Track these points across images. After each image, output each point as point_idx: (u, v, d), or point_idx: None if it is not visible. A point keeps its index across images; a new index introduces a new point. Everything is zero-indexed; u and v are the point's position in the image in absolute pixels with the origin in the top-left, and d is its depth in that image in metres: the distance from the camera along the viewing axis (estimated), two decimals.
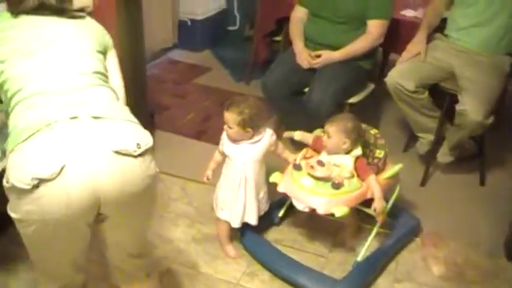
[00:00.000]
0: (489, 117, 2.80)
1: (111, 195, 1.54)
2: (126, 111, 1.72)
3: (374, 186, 2.31)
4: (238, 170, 2.38)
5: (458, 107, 2.84)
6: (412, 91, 2.93)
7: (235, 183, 2.39)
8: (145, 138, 1.62)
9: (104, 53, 1.85)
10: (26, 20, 1.72)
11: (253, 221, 2.46)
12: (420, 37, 3.06)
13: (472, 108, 2.77)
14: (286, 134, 2.63)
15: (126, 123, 1.63)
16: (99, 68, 1.76)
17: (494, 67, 2.92)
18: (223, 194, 2.44)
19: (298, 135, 2.57)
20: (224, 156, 2.45)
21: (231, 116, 2.31)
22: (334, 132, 2.33)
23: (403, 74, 2.98)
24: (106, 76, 1.80)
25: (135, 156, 1.55)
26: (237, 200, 2.41)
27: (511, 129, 3.73)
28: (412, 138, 3.33)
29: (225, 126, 2.36)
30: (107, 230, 1.72)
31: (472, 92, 2.81)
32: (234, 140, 2.37)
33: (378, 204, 2.30)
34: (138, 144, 1.56)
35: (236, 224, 2.46)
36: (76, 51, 1.72)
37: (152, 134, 3.19)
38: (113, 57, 1.91)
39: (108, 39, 1.91)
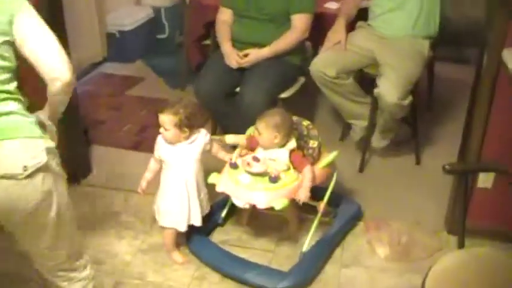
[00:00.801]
0: (405, 98, 2.88)
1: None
2: (26, 126, 1.68)
3: (305, 175, 2.35)
4: (179, 172, 2.38)
5: (375, 91, 2.94)
6: (334, 77, 3.00)
7: (177, 187, 2.39)
8: (37, 158, 1.63)
9: (8, 33, 1.66)
10: None
11: (198, 221, 2.46)
12: (339, 25, 3.15)
13: (386, 90, 2.86)
14: (217, 140, 2.59)
15: (16, 143, 1.61)
16: None
17: (413, 51, 3.01)
18: (165, 203, 2.44)
19: (229, 138, 2.56)
20: (160, 163, 2.44)
21: (167, 118, 2.32)
22: (263, 129, 2.36)
23: (325, 61, 3.05)
24: (10, 80, 1.72)
25: (22, 179, 1.57)
26: (181, 204, 2.40)
27: (441, 109, 3.87)
28: (348, 127, 3.39)
29: (161, 130, 2.36)
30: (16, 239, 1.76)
31: (388, 75, 2.90)
32: (171, 142, 2.37)
33: (301, 193, 2.33)
34: (25, 167, 1.58)
35: (183, 228, 2.45)
36: None
37: (87, 150, 3.20)
38: (27, 19, 1.68)
39: (9, 4, 1.67)
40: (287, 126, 2.38)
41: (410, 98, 2.91)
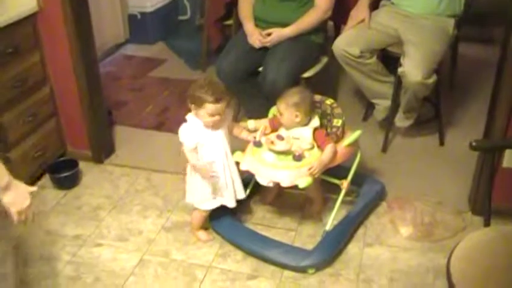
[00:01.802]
0: (430, 77, 2.85)
1: None
2: None
3: (325, 151, 2.33)
4: (219, 146, 2.36)
5: (399, 70, 2.91)
6: (357, 56, 2.98)
7: (221, 163, 2.37)
8: None
9: None
10: None
11: (243, 194, 2.48)
12: (362, 3, 3.12)
13: (410, 69, 2.82)
14: (241, 128, 2.53)
15: None
16: None
17: (437, 29, 2.97)
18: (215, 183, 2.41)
19: (251, 124, 2.53)
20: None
21: (221, 106, 2.27)
22: (284, 109, 2.35)
23: (348, 40, 3.03)
24: None
25: None
26: (227, 179, 2.40)
27: (464, 89, 3.82)
28: (371, 107, 3.37)
29: (214, 118, 2.28)
30: None
31: (412, 54, 2.86)
32: (214, 127, 2.34)
33: (315, 165, 2.27)
34: None
35: (233, 204, 2.46)
36: None
37: (110, 130, 3.23)
38: None
39: None
40: (307, 104, 2.37)
41: (434, 77, 2.87)
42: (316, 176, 2.31)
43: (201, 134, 2.33)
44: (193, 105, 2.30)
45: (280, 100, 2.38)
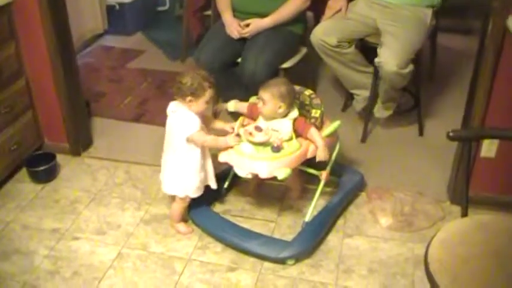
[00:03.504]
0: (405, 67, 2.85)
1: None
2: None
3: (316, 136, 2.35)
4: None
5: (375, 60, 2.91)
6: (335, 45, 2.99)
7: (204, 154, 2.40)
8: None
9: None
10: None
11: (214, 184, 2.49)
12: None
13: (386, 59, 2.83)
14: (220, 107, 2.61)
15: None
16: None
17: (415, 19, 2.97)
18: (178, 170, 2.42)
19: (231, 105, 2.56)
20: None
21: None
22: (268, 98, 2.33)
23: (325, 30, 3.03)
24: None
25: None
26: (208, 165, 2.43)
27: (444, 79, 3.84)
28: (350, 97, 3.37)
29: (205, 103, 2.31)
30: None
31: (388, 43, 2.88)
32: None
33: (321, 152, 2.33)
34: None
35: (215, 185, 2.49)
36: None
37: (88, 122, 3.20)
38: None
39: None
40: (291, 96, 2.37)
41: (410, 66, 2.88)
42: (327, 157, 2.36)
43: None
44: (189, 97, 2.27)
45: (265, 89, 2.35)
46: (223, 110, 2.61)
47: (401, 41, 2.86)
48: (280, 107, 2.34)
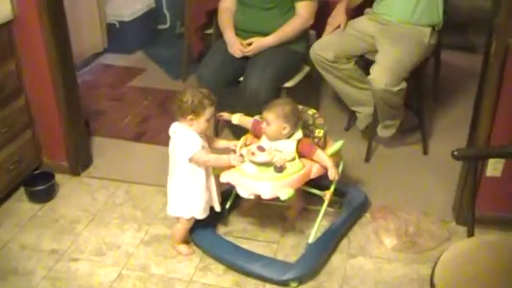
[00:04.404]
0: (395, 85, 2.87)
1: None
2: None
3: (323, 157, 2.37)
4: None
5: (367, 78, 2.95)
6: (332, 60, 3.04)
7: (209, 174, 2.40)
8: None
9: None
10: None
11: (218, 207, 2.50)
12: (339, 9, 3.17)
13: (375, 76, 2.87)
14: (225, 116, 2.60)
15: None
16: None
17: (411, 38, 2.99)
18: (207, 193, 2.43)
19: (236, 118, 2.57)
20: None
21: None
22: (273, 119, 2.35)
23: (323, 45, 3.09)
24: None
25: None
26: (212, 185, 2.44)
27: (448, 97, 3.85)
28: (353, 116, 3.38)
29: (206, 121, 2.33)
30: None
31: (380, 61, 2.91)
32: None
33: (333, 171, 2.35)
34: None
35: (219, 207, 2.50)
36: None
37: (88, 141, 3.21)
38: None
39: None
40: (296, 116, 2.38)
41: (402, 84, 2.90)
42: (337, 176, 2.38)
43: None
44: (190, 116, 2.28)
45: (269, 110, 2.36)
46: (227, 119, 2.61)
47: (393, 58, 2.88)
48: (284, 128, 2.35)
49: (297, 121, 2.40)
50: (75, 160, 3.08)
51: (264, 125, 2.39)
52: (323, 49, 3.06)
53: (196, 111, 2.28)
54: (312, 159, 2.38)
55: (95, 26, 4.50)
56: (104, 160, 3.23)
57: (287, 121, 2.34)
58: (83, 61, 4.39)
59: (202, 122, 2.30)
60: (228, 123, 2.70)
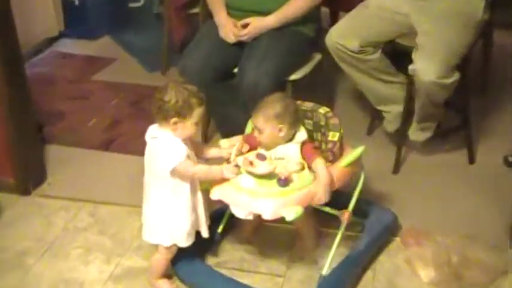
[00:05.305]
0: (448, 76, 2.90)
1: None
2: None
3: (320, 169, 2.36)
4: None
5: (410, 67, 2.95)
6: (357, 51, 3.05)
7: (195, 190, 2.44)
8: None
9: None
10: None
11: (206, 232, 2.54)
12: None
13: (422, 66, 2.88)
14: (210, 153, 2.61)
15: None
16: None
17: (460, 14, 2.98)
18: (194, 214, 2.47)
19: (224, 143, 2.58)
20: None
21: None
22: (263, 124, 2.39)
23: (345, 31, 3.10)
24: None
25: None
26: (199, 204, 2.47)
27: (501, 90, 3.88)
28: (378, 116, 3.43)
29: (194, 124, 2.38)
30: None
31: (425, 46, 2.92)
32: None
33: (319, 189, 2.34)
34: None
35: (207, 233, 2.53)
36: None
37: (41, 151, 3.21)
38: None
39: None
40: (292, 112, 2.42)
41: (455, 75, 2.93)
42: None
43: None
44: (174, 119, 2.30)
45: (257, 113, 2.41)
46: (215, 156, 2.60)
47: (442, 42, 2.90)
48: (280, 130, 2.39)
49: (294, 118, 2.43)
50: (24, 175, 3.12)
51: (256, 133, 2.44)
52: (344, 36, 3.07)
53: (181, 114, 2.30)
54: (310, 168, 2.40)
55: (47, 4, 4.51)
56: (62, 175, 3.27)
57: (281, 121, 2.38)
58: (33, 48, 4.42)
59: (188, 126, 2.33)
60: (220, 124, 2.70)
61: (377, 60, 3.13)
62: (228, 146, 2.56)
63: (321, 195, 2.35)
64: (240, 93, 3.01)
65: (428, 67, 2.86)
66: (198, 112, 2.34)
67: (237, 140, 2.56)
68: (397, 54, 3.19)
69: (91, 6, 4.73)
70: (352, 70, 3.16)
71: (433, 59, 2.87)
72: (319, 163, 2.38)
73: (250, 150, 2.51)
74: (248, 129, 2.61)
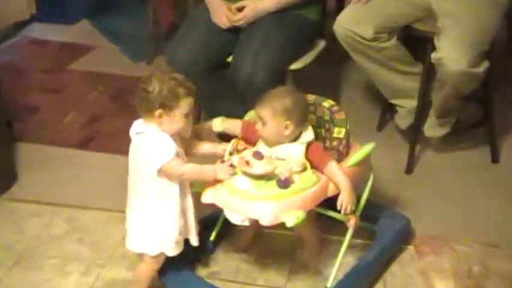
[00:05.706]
0: (478, 64, 2.90)
1: None
2: None
3: (337, 174, 2.37)
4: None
5: (433, 56, 2.94)
6: (370, 39, 3.05)
7: (184, 192, 2.45)
8: None
9: None
10: None
11: (195, 240, 2.53)
12: None
13: (449, 54, 2.86)
14: (202, 127, 2.65)
15: None
16: None
17: None
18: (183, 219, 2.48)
19: (217, 124, 2.61)
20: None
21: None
22: (269, 117, 2.39)
23: (357, 16, 3.10)
24: None
25: None
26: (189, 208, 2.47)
27: None
28: (389, 110, 3.45)
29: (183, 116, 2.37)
30: None
31: (451, 32, 2.90)
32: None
33: (345, 198, 2.34)
34: None
35: (197, 241, 2.52)
36: None
37: (10, 150, 3.21)
38: None
39: None
40: (301, 109, 2.43)
41: (485, 63, 2.93)
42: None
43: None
44: (158, 111, 2.30)
45: (263, 104, 2.41)
46: (208, 130, 2.65)
47: (470, 25, 2.88)
48: (286, 127, 2.39)
49: (303, 116, 2.44)
50: None
51: (258, 126, 2.44)
52: (356, 22, 3.07)
53: (167, 105, 2.30)
54: (323, 173, 2.40)
55: None
56: (34, 176, 3.28)
57: (289, 117, 2.38)
58: (1, 33, 4.43)
59: (176, 119, 2.33)
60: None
61: (393, 48, 3.13)
62: (221, 126, 2.60)
63: (346, 205, 2.35)
64: (235, 85, 3.02)
65: (457, 55, 2.85)
66: (186, 103, 2.33)
67: (235, 124, 2.59)
68: (412, 41, 3.19)
69: None
70: (364, 60, 3.16)
71: (462, 45, 2.86)
72: (334, 167, 2.38)
73: (247, 143, 2.52)
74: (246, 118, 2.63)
